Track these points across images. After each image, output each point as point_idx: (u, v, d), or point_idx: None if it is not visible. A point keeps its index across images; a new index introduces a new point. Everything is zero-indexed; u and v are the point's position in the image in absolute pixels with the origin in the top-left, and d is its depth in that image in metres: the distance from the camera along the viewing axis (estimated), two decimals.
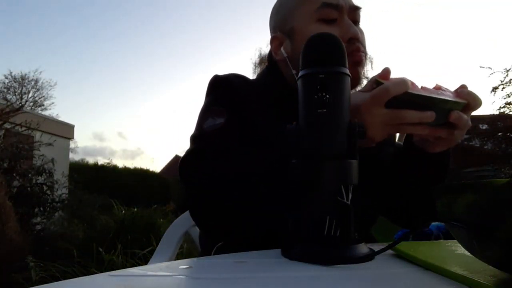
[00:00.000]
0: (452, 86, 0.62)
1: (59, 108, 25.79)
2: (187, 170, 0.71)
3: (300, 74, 0.51)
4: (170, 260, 0.88)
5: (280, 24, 0.83)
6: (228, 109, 0.74)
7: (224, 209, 0.65)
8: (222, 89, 0.79)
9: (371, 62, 12.91)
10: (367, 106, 0.57)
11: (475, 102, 0.61)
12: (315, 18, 0.76)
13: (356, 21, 0.79)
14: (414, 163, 0.72)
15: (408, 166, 0.73)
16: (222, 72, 0.83)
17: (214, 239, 0.73)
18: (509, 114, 8.28)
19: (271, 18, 0.88)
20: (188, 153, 0.72)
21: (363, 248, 0.47)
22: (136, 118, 36.49)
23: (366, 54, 0.80)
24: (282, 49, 0.81)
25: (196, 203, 0.69)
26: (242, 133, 0.72)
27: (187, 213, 1.03)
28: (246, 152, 0.69)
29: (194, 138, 0.74)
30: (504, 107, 8.24)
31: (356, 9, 0.79)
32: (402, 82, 0.56)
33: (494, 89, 8.15)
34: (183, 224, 1.07)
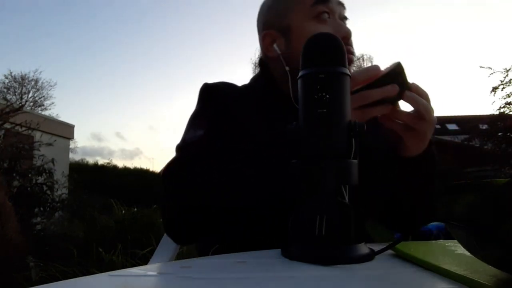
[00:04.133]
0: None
1: (59, 108, 25.81)
2: (169, 180, 0.70)
3: (300, 74, 0.51)
4: (170, 260, 0.88)
5: (274, 21, 0.83)
6: (213, 119, 0.75)
7: (202, 223, 0.67)
8: (210, 98, 0.79)
9: (371, 62, 12.92)
10: None
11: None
12: (310, 16, 0.78)
13: (344, 18, 0.81)
14: (397, 172, 0.72)
15: (391, 175, 0.73)
16: (211, 80, 0.84)
17: (208, 243, 0.74)
18: (509, 114, 8.28)
19: (260, 15, 0.88)
20: (170, 163, 0.72)
21: (363, 248, 0.47)
22: (134, 118, 36.41)
23: (354, 54, 0.81)
24: (275, 45, 0.81)
25: (173, 216, 0.70)
26: (232, 141, 0.72)
27: None
28: (226, 162, 0.69)
29: (177, 149, 0.75)
30: (504, 107, 8.25)
31: (342, 5, 0.81)
32: (366, 69, 0.61)
33: (494, 89, 8.16)
34: None
